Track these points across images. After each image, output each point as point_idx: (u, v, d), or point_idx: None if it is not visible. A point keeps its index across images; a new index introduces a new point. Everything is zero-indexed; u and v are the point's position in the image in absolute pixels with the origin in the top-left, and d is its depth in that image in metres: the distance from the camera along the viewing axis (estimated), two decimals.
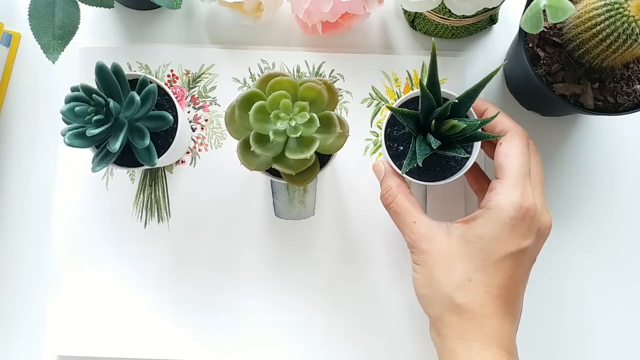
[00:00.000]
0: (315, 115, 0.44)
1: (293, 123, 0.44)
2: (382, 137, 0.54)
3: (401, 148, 0.54)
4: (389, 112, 0.53)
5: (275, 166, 0.46)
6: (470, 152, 0.52)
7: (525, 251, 0.46)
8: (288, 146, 0.45)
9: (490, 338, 0.44)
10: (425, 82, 0.48)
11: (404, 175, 0.51)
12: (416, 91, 0.52)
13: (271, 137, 0.44)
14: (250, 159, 0.47)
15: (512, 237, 0.45)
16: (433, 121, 0.49)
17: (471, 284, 0.45)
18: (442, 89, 0.51)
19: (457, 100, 0.48)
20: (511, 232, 0.45)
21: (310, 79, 0.45)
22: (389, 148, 0.53)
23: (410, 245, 0.49)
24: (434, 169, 0.53)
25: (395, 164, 0.52)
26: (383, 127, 0.53)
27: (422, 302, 0.48)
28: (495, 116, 0.48)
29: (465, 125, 0.46)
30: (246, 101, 0.45)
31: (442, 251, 0.46)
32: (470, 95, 0.49)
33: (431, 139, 0.48)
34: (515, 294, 0.46)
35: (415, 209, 0.49)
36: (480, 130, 0.48)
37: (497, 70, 0.47)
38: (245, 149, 0.46)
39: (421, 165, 0.48)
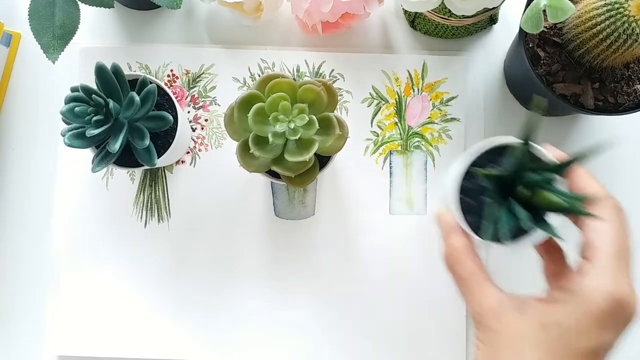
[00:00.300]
0: (314, 117, 0.44)
1: (292, 125, 0.43)
2: (452, 189, 0.45)
3: (472, 202, 0.45)
4: (463, 164, 0.45)
5: (275, 168, 0.46)
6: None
7: (608, 346, 0.40)
8: (287, 148, 0.45)
9: None
10: (520, 142, 0.40)
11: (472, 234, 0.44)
12: (492, 140, 0.45)
13: (270, 139, 0.44)
14: (250, 161, 0.47)
15: (598, 331, 0.39)
16: (522, 188, 0.41)
17: None
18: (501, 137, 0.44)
19: (556, 175, 0.41)
20: (597, 325, 0.39)
21: (310, 81, 0.45)
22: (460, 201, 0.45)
23: (475, 319, 0.42)
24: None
25: (466, 221, 0.44)
26: (456, 179, 0.45)
27: None
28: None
29: (567, 204, 0.39)
30: (245, 103, 0.45)
31: (513, 333, 0.40)
32: (568, 164, 0.41)
33: (521, 213, 0.40)
34: None
35: (484, 277, 0.43)
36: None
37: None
38: (244, 151, 0.46)
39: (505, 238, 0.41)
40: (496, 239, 0.42)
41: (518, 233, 0.43)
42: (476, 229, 0.44)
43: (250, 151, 0.44)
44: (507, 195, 0.42)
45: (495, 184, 0.42)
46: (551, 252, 0.45)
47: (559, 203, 0.39)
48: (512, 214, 0.41)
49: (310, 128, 0.44)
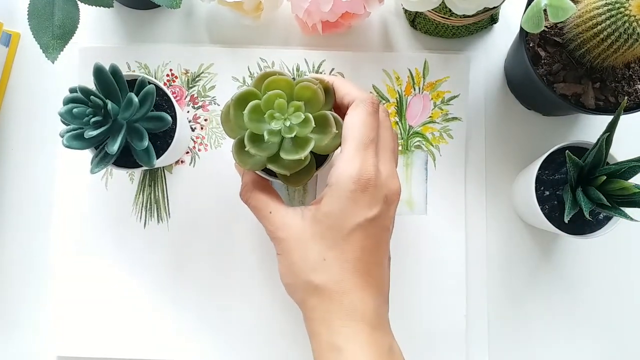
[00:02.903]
0: (310, 116, 0.44)
1: (288, 123, 0.43)
2: (532, 179, 0.54)
3: (547, 193, 0.55)
4: (544, 155, 0.54)
5: (270, 166, 0.46)
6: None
7: (374, 221, 0.45)
8: (283, 146, 0.45)
9: (351, 313, 0.43)
10: (601, 137, 0.50)
11: None
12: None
13: (266, 137, 0.44)
14: (245, 159, 0.46)
15: (356, 209, 0.44)
16: (600, 176, 0.50)
17: (326, 262, 0.44)
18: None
19: (638, 164, 0.50)
20: (354, 205, 0.44)
21: (306, 79, 0.45)
22: (535, 189, 0.54)
23: (270, 237, 0.48)
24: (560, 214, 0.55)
25: (540, 207, 0.54)
26: (535, 169, 0.54)
27: (288, 292, 0.47)
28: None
29: (639, 190, 0.48)
30: (241, 100, 0.45)
31: (298, 236, 0.46)
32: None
33: (600, 195, 0.49)
34: (373, 265, 0.45)
35: (272, 201, 0.48)
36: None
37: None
38: (240, 149, 0.46)
39: (589, 219, 0.52)
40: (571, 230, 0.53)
41: (594, 228, 0.54)
42: (548, 216, 0.54)
43: (246, 149, 0.44)
44: (579, 185, 0.52)
45: (574, 173, 0.51)
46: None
47: (632, 189, 0.48)
48: (590, 199, 0.50)
49: (306, 126, 0.44)
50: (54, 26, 0.50)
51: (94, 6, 0.52)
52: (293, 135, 0.43)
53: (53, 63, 0.50)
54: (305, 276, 0.45)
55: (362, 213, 0.44)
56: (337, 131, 0.45)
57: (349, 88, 0.48)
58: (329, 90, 0.47)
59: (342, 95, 0.48)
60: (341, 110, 0.48)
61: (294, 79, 0.46)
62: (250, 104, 0.44)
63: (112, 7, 0.52)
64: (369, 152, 0.45)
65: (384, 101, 0.62)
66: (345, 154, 0.45)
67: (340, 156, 0.45)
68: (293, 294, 0.47)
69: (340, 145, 0.46)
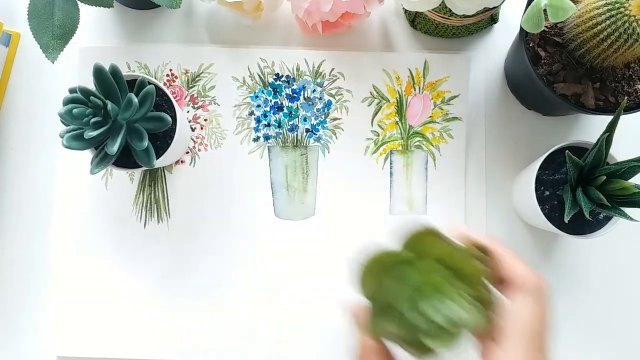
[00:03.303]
0: (480, 307, 0.36)
1: (450, 315, 0.35)
2: (532, 179, 0.54)
3: (547, 193, 0.55)
4: (544, 155, 0.54)
5: (403, 345, 0.37)
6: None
7: None
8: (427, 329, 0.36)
9: None
10: (600, 137, 0.50)
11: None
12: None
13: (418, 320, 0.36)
14: (376, 327, 0.38)
15: None
16: (600, 176, 0.50)
17: None
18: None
19: (638, 164, 0.50)
20: None
21: (469, 249, 0.38)
22: (535, 189, 0.54)
23: None
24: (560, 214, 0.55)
25: (540, 207, 0.54)
26: (535, 169, 0.54)
27: None
28: None
29: (639, 190, 0.48)
30: (389, 268, 0.37)
31: None
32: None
33: (599, 195, 0.49)
34: None
35: None
36: None
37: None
38: (377, 316, 0.38)
39: (589, 219, 0.52)
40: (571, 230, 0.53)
41: (594, 228, 0.54)
42: (548, 216, 0.54)
43: (382, 320, 0.37)
44: (579, 185, 0.52)
45: (574, 173, 0.51)
46: (485, 340, 0.41)
47: (632, 189, 0.48)
48: (590, 199, 0.50)
49: (473, 321, 0.36)
50: (54, 26, 0.50)
51: (94, 6, 0.52)
52: (456, 329, 0.36)
53: (53, 63, 0.50)
54: None
55: None
56: (493, 315, 0.38)
57: (514, 263, 0.40)
58: (484, 259, 0.39)
59: (506, 270, 0.40)
60: (496, 282, 0.40)
61: (448, 242, 0.38)
62: (410, 292, 0.36)
63: (112, 7, 0.52)
64: (534, 352, 0.37)
65: (384, 101, 0.62)
66: (506, 348, 0.37)
67: (500, 348, 0.37)
68: None
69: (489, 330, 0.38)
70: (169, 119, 0.48)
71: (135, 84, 0.49)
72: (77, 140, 0.45)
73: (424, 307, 0.36)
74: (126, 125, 0.46)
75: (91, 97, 0.44)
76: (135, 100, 0.45)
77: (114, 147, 0.44)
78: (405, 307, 0.36)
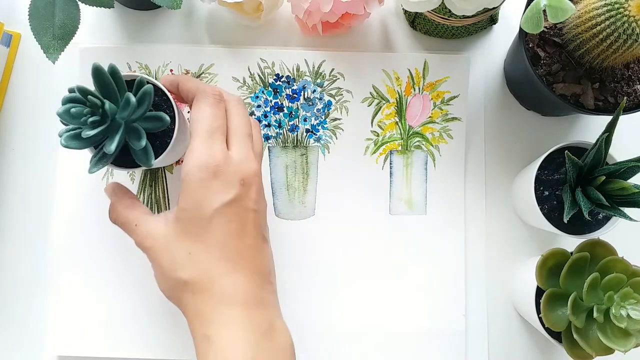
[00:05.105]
0: None
1: (624, 312, 0.47)
2: (532, 179, 0.54)
3: (546, 193, 0.55)
4: (544, 155, 0.55)
5: (575, 336, 0.49)
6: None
7: (233, 204, 0.45)
8: (605, 329, 0.48)
9: (221, 299, 0.43)
10: (600, 137, 0.51)
11: None
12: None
13: (595, 313, 0.47)
14: (551, 315, 0.50)
15: (211, 196, 0.44)
16: (599, 176, 0.50)
17: (191, 256, 0.44)
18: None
19: (637, 164, 0.50)
20: (207, 192, 0.44)
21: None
22: (535, 189, 0.55)
23: (141, 249, 0.48)
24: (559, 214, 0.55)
25: (539, 207, 0.54)
26: (535, 169, 0.54)
27: (167, 297, 0.47)
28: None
29: (638, 190, 0.49)
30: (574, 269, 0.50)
31: (163, 240, 0.46)
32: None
33: (599, 195, 0.50)
34: (244, 247, 0.45)
35: (137, 214, 0.49)
36: None
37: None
38: (551, 305, 0.50)
39: (589, 219, 0.52)
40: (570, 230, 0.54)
41: (594, 228, 0.55)
42: (547, 216, 0.54)
43: (565, 312, 0.49)
44: (579, 185, 0.52)
45: (573, 173, 0.52)
46: None
47: (631, 189, 0.48)
48: (589, 199, 0.51)
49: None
50: (54, 27, 0.50)
51: (94, 7, 0.52)
52: (623, 325, 0.46)
53: (54, 63, 0.50)
54: (174, 276, 0.45)
55: (217, 198, 0.44)
56: None
57: (192, 84, 0.49)
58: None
59: (186, 92, 0.49)
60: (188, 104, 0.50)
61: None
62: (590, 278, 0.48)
63: (113, 7, 0.52)
64: (215, 140, 0.45)
65: (383, 101, 0.63)
66: (191, 146, 0.45)
67: (188, 149, 0.46)
68: (171, 298, 0.47)
69: None
70: (168, 118, 0.48)
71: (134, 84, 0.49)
72: (75, 140, 0.45)
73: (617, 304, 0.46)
74: (124, 124, 0.46)
75: (89, 97, 0.44)
76: (133, 99, 0.45)
77: (112, 146, 0.44)
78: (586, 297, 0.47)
